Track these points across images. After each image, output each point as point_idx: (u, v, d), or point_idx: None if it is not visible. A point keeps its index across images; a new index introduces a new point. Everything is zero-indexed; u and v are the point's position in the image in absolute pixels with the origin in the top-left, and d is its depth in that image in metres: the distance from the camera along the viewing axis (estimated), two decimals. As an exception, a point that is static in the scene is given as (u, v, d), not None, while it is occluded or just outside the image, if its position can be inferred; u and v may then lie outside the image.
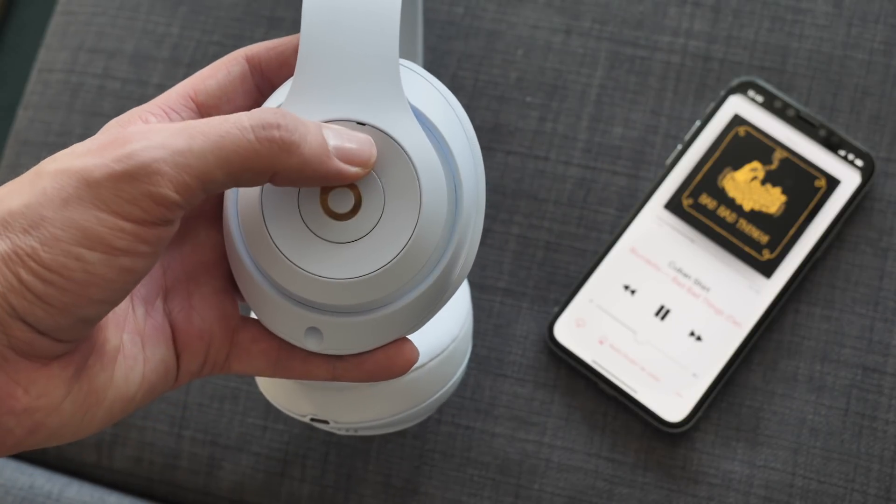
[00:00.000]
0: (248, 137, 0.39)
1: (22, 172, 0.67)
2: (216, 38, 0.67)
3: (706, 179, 0.62)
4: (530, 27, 0.65)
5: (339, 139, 0.41)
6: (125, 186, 0.38)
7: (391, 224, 0.42)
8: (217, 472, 0.62)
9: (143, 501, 0.62)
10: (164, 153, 0.38)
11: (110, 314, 0.42)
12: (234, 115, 0.39)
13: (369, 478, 0.60)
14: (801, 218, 0.61)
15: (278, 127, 0.39)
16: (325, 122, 0.42)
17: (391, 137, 0.42)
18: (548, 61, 0.65)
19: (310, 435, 0.61)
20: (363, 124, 0.42)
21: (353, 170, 0.41)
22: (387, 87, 0.42)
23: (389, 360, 0.45)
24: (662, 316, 0.60)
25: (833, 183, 0.61)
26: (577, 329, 0.60)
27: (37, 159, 0.67)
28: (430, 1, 0.66)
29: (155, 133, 0.38)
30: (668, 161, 0.62)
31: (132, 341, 0.43)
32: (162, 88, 0.66)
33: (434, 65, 0.65)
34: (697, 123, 0.63)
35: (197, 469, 0.62)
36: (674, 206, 0.61)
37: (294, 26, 0.66)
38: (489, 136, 0.64)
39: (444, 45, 0.65)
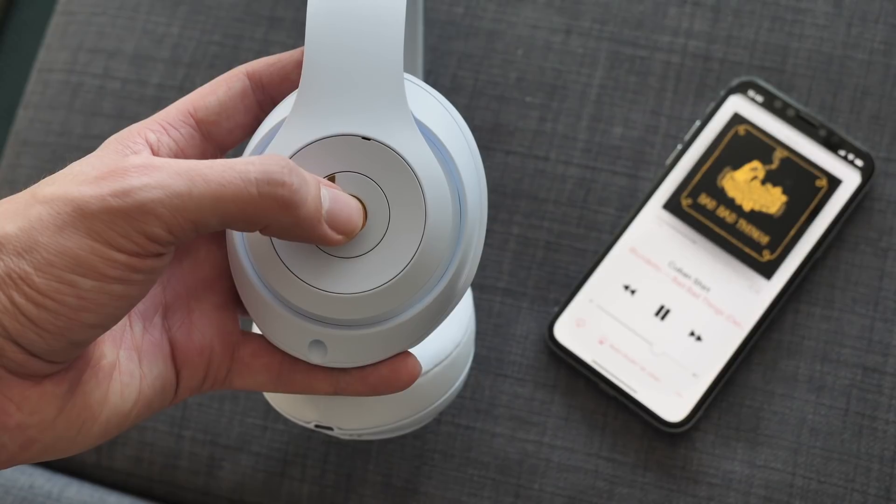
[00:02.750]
0: (251, 191, 0.39)
1: (22, 172, 0.67)
2: (216, 38, 0.67)
3: (705, 179, 0.62)
4: (530, 27, 0.65)
5: (334, 203, 0.41)
6: (119, 221, 0.38)
7: (396, 239, 0.43)
8: (217, 472, 0.62)
9: (143, 501, 0.62)
10: (161, 194, 0.38)
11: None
12: (242, 162, 0.39)
13: (369, 478, 0.60)
14: (802, 218, 0.61)
15: (283, 185, 0.39)
16: (327, 176, 0.42)
17: (396, 153, 0.42)
18: (548, 61, 0.65)
19: (310, 435, 0.61)
20: (368, 139, 0.42)
21: (337, 237, 0.42)
22: (391, 102, 0.42)
23: (393, 373, 0.45)
24: (662, 316, 0.60)
25: (833, 183, 0.61)
26: (577, 329, 0.60)
27: (37, 159, 0.67)
28: (430, 1, 0.66)
29: (156, 170, 0.38)
30: (668, 161, 0.62)
31: (129, 357, 0.42)
32: (162, 88, 0.66)
33: (434, 65, 0.65)
34: (697, 123, 0.63)
35: (197, 469, 0.62)
36: (673, 206, 0.61)
37: (294, 26, 0.66)
38: (489, 136, 0.64)
39: (444, 45, 0.65)
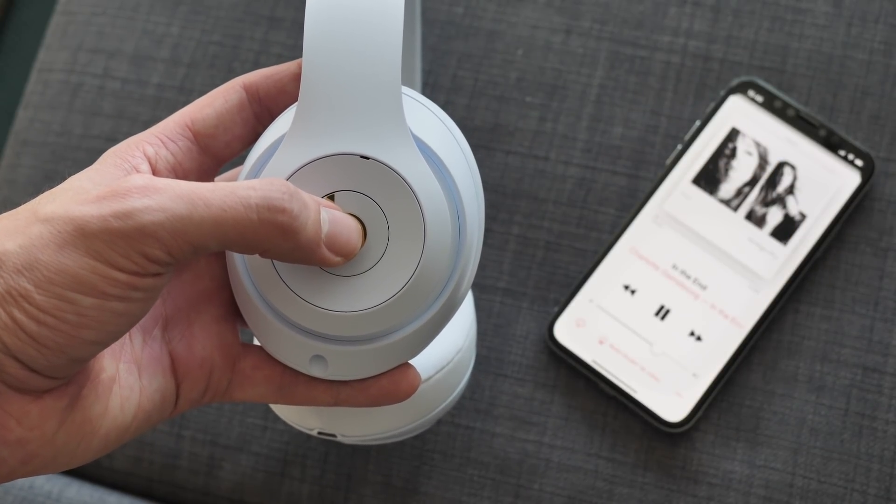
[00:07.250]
0: (251, 217, 0.39)
1: (22, 172, 0.67)
2: (216, 38, 0.67)
3: (704, 180, 0.62)
4: (530, 27, 0.65)
5: (333, 226, 0.41)
6: (120, 242, 0.38)
7: (396, 257, 0.43)
8: (217, 472, 0.62)
9: (143, 501, 0.62)
10: (162, 217, 0.38)
11: None
12: (243, 187, 0.39)
13: (369, 478, 0.60)
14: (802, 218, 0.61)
15: (283, 211, 0.39)
16: (326, 195, 0.42)
17: (395, 171, 0.42)
18: (548, 61, 0.65)
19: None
20: (367, 158, 0.42)
21: (336, 259, 0.42)
22: (389, 119, 0.42)
23: (393, 385, 0.45)
24: (662, 316, 0.60)
25: (833, 183, 0.61)
26: (577, 329, 0.60)
27: (37, 159, 0.67)
28: (430, 1, 0.66)
29: (157, 192, 0.38)
30: (668, 161, 0.63)
31: (128, 371, 0.43)
32: (162, 88, 0.66)
33: (434, 65, 0.65)
34: (697, 123, 0.63)
35: (197, 469, 0.62)
36: (674, 206, 0.61)
37: (294, 26, 0.66)
38: (489, 136, 0.64)
39: (444, 45, 0.65)
